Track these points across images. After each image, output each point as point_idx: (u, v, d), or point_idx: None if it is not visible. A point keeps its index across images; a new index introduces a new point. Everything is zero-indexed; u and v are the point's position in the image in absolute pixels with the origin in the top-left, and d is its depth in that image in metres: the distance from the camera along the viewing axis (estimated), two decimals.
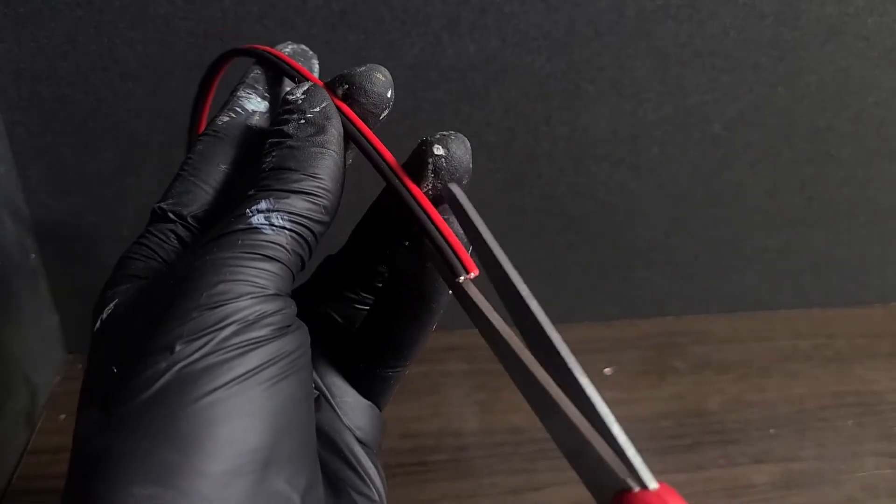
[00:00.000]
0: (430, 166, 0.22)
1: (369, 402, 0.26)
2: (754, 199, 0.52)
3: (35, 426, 0.44)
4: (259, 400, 0.18)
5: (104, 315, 0.21)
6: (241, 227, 0.20)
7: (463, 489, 0.41)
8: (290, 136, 0.21)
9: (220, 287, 0.18)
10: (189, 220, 0.22)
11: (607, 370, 0.50)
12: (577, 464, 0.17)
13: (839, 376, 0.52)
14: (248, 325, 0.18)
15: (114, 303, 0.21)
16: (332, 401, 0.25)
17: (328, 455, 0.24)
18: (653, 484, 0.16)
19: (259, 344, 0.18)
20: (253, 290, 0.19)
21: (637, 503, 0.15)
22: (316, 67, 0.26)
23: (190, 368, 0.17)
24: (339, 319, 0.27)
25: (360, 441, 0.25)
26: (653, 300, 0.56)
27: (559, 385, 0.18)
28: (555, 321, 0.19)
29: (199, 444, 0.17)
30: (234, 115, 0.24)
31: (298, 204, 0.20)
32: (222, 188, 0.23)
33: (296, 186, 0.20)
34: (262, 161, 0.21)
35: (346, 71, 0.23)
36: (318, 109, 0.22)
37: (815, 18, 0.45)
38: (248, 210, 0.20)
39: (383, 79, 0.23)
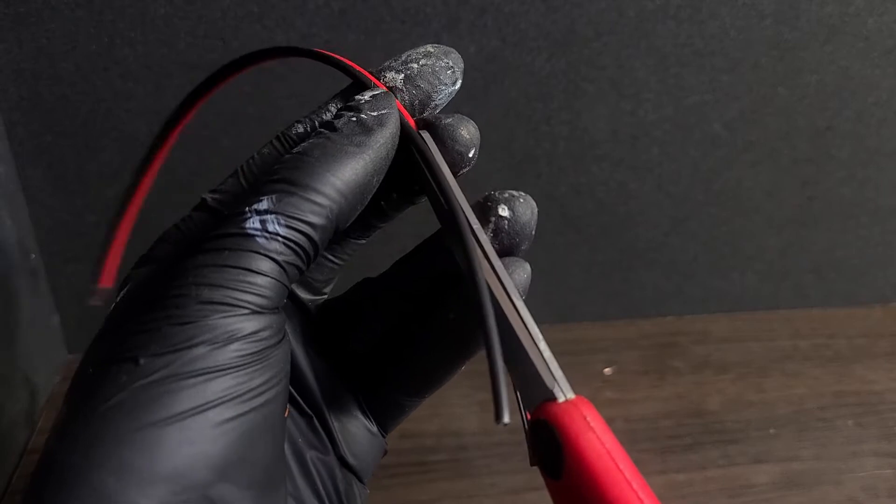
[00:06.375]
0: (492, 226, 0.21)
1: (373, 431, 0.25)
2: (754, 199, 0.52)
3: (35, 426, 0.44)
4: (210, 435, 0.17)
5: (118, 298, 0.20)
6: (233, 230, 0.19)
7: (462, 489, 0.41)
8: (334, 130, 0.20)
9: (195, 303, 0.18)
10: None
11: (607, 370, 0.50)
12: (514, 373, 0.20)
13: (839, 376, 0.52)
14: (217, 347, 0.17)
15: (128, 287, 0.20)
16: (331, 424, 0.24)
17: (303, 483, 0.23)
18: (570, 394, 0.18)
19: (224, 371, 0.18)
20: (229, 309, 0.18)
21: (557, 408, 0.18)
22: (456, 85, 0.24)
23: (147, 390, 0.17)
24: (363, 345, 0.26)
25: (350, 468, 0.24)
26: (653, 300, 0.56)
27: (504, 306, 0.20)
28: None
29: (138, 474, 0.16)
30: (309, 129, 0.22)
31: (301, 206, 0.19)
32: None
33: (306, 179, 0.19)
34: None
35: (430, 116, 0.22)
36: (374, 113, 0.20)
37: (815, 18, 0.45)
38: (246, 209, 0.19)
39: (468, 136, 0.22)
